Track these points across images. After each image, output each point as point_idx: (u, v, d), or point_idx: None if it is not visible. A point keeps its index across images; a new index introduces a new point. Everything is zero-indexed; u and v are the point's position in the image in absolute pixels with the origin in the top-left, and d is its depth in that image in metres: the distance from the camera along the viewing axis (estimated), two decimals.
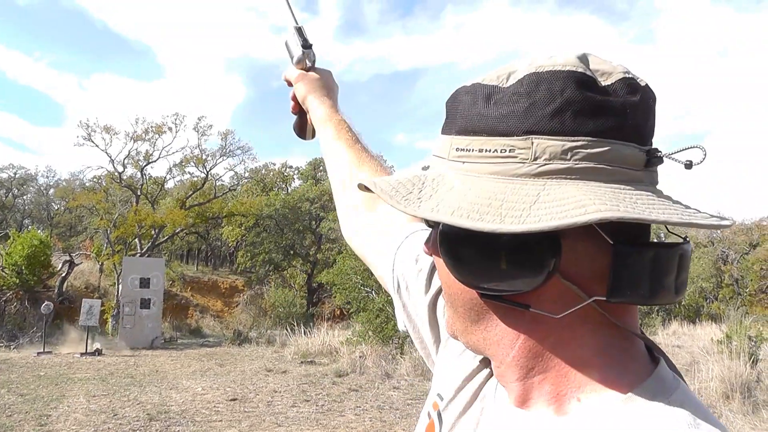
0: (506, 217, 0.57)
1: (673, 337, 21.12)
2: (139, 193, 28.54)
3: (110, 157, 28.16)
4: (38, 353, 15.64)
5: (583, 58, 0.62)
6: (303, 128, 1.41)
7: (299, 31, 1.36)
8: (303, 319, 20.85)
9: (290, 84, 1.39)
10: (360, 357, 13.31)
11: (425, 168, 0.71)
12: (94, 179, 32.80)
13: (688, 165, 0.62)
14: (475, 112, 0.64)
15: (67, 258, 26.00)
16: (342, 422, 8.38)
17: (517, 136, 0.61)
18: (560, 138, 0.59)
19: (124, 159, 28.32)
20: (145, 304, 19.07)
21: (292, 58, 1.38)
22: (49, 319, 17.30)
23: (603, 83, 0.61)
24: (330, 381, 11.62)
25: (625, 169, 0.60)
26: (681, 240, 0.64)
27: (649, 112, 0.64)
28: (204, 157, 29.12)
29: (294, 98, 1.37)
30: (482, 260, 0.62)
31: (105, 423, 7.97)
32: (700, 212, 0.61)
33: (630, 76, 0.63)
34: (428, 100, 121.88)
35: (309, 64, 1.37)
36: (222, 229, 34.01)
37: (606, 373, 0.62)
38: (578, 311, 0.61)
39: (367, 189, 0.69)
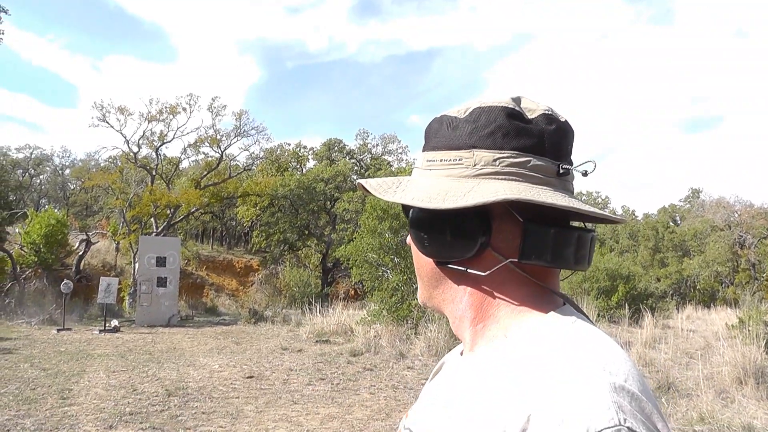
0: (447, 201, 0.83)
1: (687, 322, 21.00)
2: (154, 173, 28.67)
3: (125, 137, 28.29)
4: (58, 330, 15.89)
5: (517, 99, 0.89)
6: None
7: None
8: (318, 298, 20.96)
9: None
10: (375, 337, 13.39)
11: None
12: (110, 159, 33.01)
13: (585, 173, 0.90)
14: (440, 135, 0.91)
15: (84, 237, 26.23)
16: (357, 400, 8.47)
17: (464, 149, 0.87)
18: (492, 151, 0.85)
19: (139, 139, 28.45)
20: (162, 282, 19.25)
21: None
22: (68, 297, 17.52)
23: (528, 116, 0.87)
24: (345, 360, 11.72)
25: (539, 175, 0.85)
26: (580, 227, 0.90)
27: (563, 138, 0.89)
28: (219, 137, 29.19)
29: None
30: (435, 235, 0.87)
31: (125, 398, 8.10)
32: (594, 208, 0.86)
33: (549, 112, 0.89)
34: (443, 81, 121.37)
35: None
36: (237, 208, 34.13)
37: (526, 314, 0.86)
38: (506, 273, 0.87)
39: (362, 186, 0.97)
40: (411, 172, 1.00)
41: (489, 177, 0.85)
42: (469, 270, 0.87)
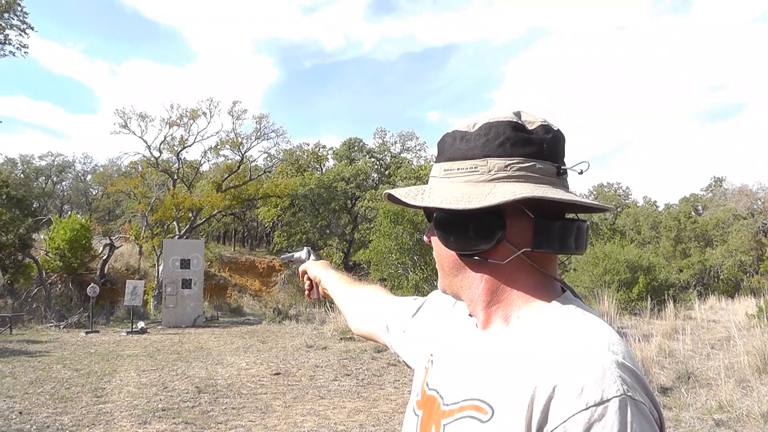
0: (472, 202, 0.98)
1: (710, 312, 20.89)
2: (175, 177, 28.95)
3: (146, 143, 28.64)
4: (86, 332, 16.20)
5: (517, 114, 1.06)
6: (316, 292, 2.05)
7: (310, 251, 2.18)
8: None
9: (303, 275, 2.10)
10: None
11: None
12: (131, 164, 33.38)
13: (580, 172, 1.06)
14: (455, 147, 1.07)
15: (108, 241, 26.53)
16: (382, 395, 8.63)
17: (479, 159, 1.03)
18: (503, 158, 1.01)
19: (160, 144, 28.78)
20: (186, 284, 19.50)
21: (302, 261, 2.14)
22: (94, 301, 17.82)
23: (529, 128, 1.04)
24: (369, 357, 11.87)
25: (543, 176, 1.02)
26: (577, 219, 1.06)
27: (558, 144, 1.06)
28: (239, 140, 29.43)
29: (308, 278, 2.07)
30: (459, 232, 1.04)
31: (156, 395, 8.32)
32: (589, 200, 1.04)
33: (546, 123, 1.05)
34: (459, 77, 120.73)
35: (314, 258, 2.13)
36: (258, 209, 34.32)
37: (535, 300, 1.03)
38: (517, 264, 1.04)
39: (389, 196, 1.15)
40: (432, 167, 1.16)
41: (502, 180, 1.01)
42: (489, 260, 1.04)
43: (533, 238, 1.01)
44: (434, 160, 1.15)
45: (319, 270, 2.01)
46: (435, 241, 1.12)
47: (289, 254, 2.26)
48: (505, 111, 1.06)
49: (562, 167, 1.05)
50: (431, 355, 1.23)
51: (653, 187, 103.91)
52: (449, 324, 1.26)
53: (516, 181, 1.00)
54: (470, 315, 1.15)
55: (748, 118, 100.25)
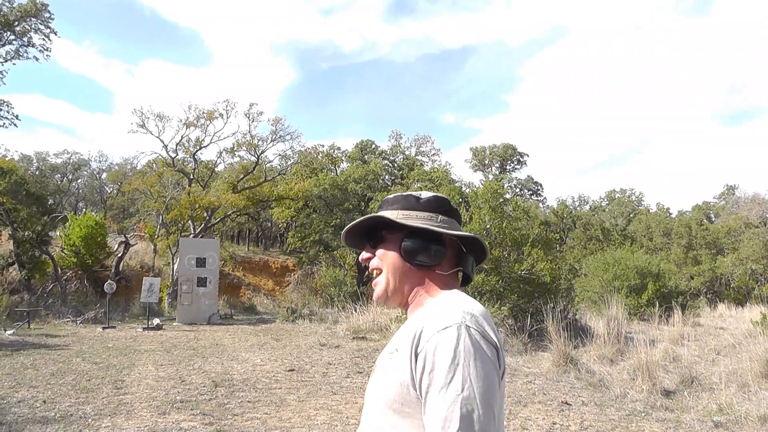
0: (441, 231, 1.59)
1: (719, 319, 21.00)
2: (191, 177, 29.24)
3: (163, 142, 28.95)
4: (103, 327, 16.55)
5: (448, 198, 1.75)
6: None
7: None
8: (353, 297, 21.33)
9: None
10: None
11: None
12: (147, 164, 33.76)
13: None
14: (411, 203, 1.65)
15: (123, 239, 26.86)
16: None
17: (432, 212, 1.63)
18: (446, 216, 1.65)
19: (176, 145, 29.10)
20: (202, 282, 19.83)
21: None
22: (111, 297, 18.15)
23: (453, 206, 1.70)
24: None
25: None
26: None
27: (459, 220, 1.72)
28: (255, 141, 29.69)
29: None
30: (424, 250, 1.59)
31: (174, 388, 8.59)
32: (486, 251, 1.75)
33: (454, 207, 1.70)
34: (477, 78, 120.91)
35: None
36: (272, 210, 34.54)
37: (439, 291, 1.60)
38: (436, 277, 1.61)
39: (349, 232, 1.76)
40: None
41: (446, 228, 1.61)
42: (435, 271, 1.61)
43: (463, 264, 1.64)
44: (382, 207, 1.70)
45: None
46: (388, 255, 1.63)
47: None
48: (442, 195, 1.71)
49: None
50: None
51: (667, 193, 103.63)
52: None
53: (453, 230, 1.61)
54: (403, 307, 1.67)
55: (765, 121, 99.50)
